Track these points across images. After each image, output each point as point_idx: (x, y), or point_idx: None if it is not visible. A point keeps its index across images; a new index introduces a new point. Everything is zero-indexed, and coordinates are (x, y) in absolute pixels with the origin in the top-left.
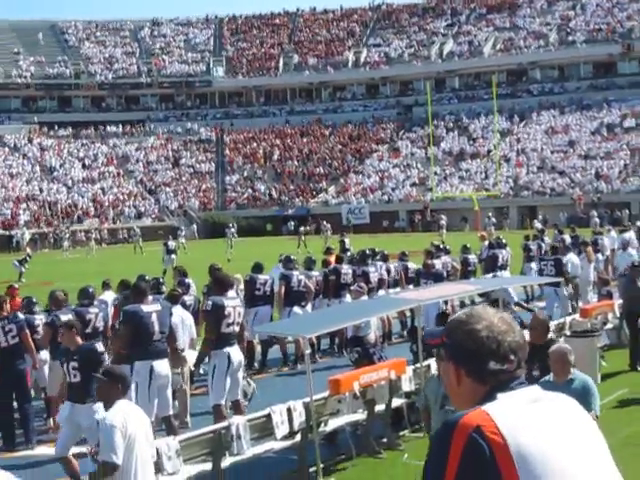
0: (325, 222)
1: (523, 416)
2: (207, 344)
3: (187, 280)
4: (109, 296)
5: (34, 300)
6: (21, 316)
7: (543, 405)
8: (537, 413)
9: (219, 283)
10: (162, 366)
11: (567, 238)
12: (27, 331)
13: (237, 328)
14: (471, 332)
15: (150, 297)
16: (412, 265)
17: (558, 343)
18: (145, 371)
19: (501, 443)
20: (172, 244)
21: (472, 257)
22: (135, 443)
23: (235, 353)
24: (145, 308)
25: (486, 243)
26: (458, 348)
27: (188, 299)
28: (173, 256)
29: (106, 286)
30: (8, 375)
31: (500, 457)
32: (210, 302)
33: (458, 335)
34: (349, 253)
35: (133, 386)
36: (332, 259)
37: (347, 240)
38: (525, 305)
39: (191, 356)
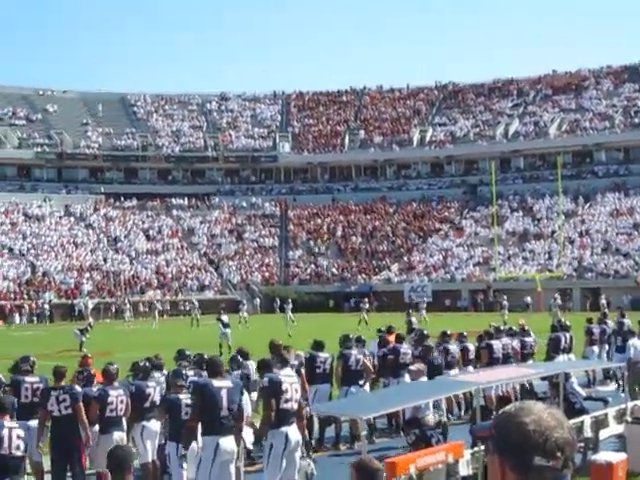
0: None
1: None
2: (265, 421)
3: (245, 362)
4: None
5: (93, 373)
6: (78, 388)
7: None
8: None
9: (277, 359)
10: (228, 442)
11: (628, 322)
12: (81, 404)
13: (295, 405)
14: (519, 425)
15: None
16: (471, 346)
17: None
18: (211, 447)
19: None
20: (226, 318)
21: (530, 339)
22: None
23: (293, 432)
24: (216, 383)
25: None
26: (504, 441)
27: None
28: (228, 330)
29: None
30: (61, 447)
31: None
32: (267, 378)
33: (506, 428)
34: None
35: (197, 460)
36: (392, 338)
37: (414, 319)
38: (594, 397)
39: (246, 434)
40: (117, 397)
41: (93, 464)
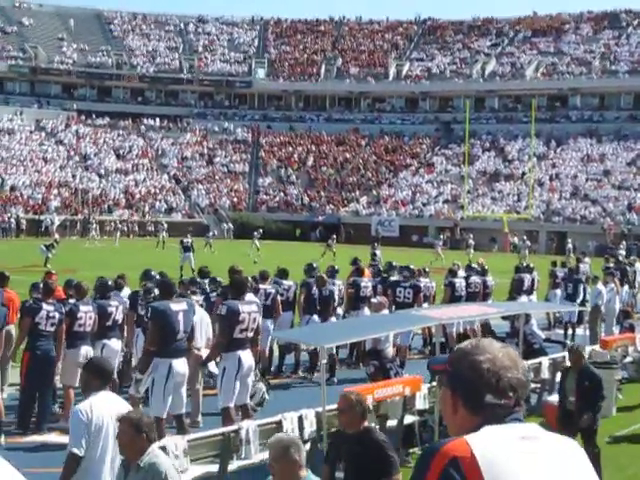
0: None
1: (507, 450)
2: (217, 347)
3: (205, 281)
4: (125, 291)
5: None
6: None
7: (535, 443)
8: (524, 449)
9: (235, 287)
10: (181, 365)
11: (588, 267)
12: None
13: (251, 334)
14: (473, 363)
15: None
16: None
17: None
18: (164, 369)
19: (476, 475)
20: (188, 241)
21: (489, 279)
22: (101, 435)
23: (246, 357)
24: (173, 307)
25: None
26: (458, 378)
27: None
28: (190, 254)
29: (122, 280)
30: (39, 360)
31: None
32: (225, 307)
33: (460, 365)
34: (379, 266)
35: (149, 381)
36: (355, 269)
37: (378, 252)
38: (554, 339)
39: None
40: (86, 313)
41: (61, 378)
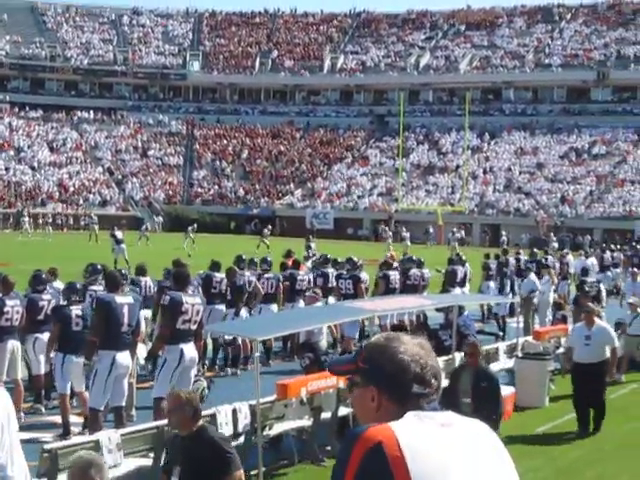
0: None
1: (428, 436)
2: (160, 338)
3: (142, 278)
4: (59, 284)
5: None
6: None
7: (453, 429)
8: (444, 435)
9: (179, 279)
10: (124, 357)
11: (524, 259)
12: None
13: (194, 326)
14: (394, 356)
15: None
16: (365, 276)
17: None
18: (107, 361)
19: (400, 459)
20: (119, 234)
21: (426, 272)
22: (3, 428)
23: (188, 350)
24: (119, 299)
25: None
26: (381, 373)
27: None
28: (123, 245)
29: (53, 274)
30: None
31: (397, 474)
32: (168, 297)
33: (380, 359)
34: (313, 258)
35: (92, 372)
36: (290, 262)
37: (313, 245)
38: (488, 331)
39: (141, 350)
40: (13, 307)
41: None
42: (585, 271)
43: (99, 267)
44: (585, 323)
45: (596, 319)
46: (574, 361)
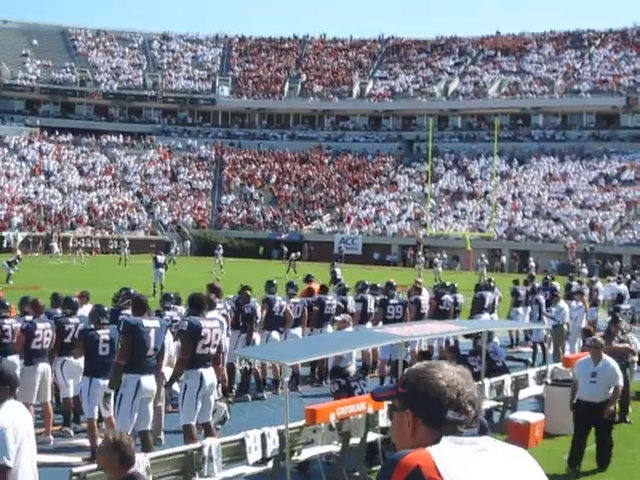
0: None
1: (465, 461)
2: (180, 364)
3: (176, 306)
4: (86, 309)
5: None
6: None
7: (489, 454)
8: (481, 460)
9: (196, 304)
10: (149, 381)
11: (557, 285)
12: None
13: (213, 350)
14: (431, 382)
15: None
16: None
17: None
18: (132, 385)
19: None
20: (161, 258)
21: (460, 297)
22: (23, 444)
23: (208, 374)
24: (146, 323)
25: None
26: (418, 397)
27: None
28: (161, 270)
29: (85, 299)
30: None
31: None
32: (186, 322)
33: (418, 385)
34: (339, 283)
35: (117, 397)
36: (314, 287)
37: (338, 270)
38: (517, 357)
39: (168, 373)
40: (44, 330)
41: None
42: (620, 297)
43: (132, 292)
44: (592, 358)
45: (604, 355)
46: (577, 398)
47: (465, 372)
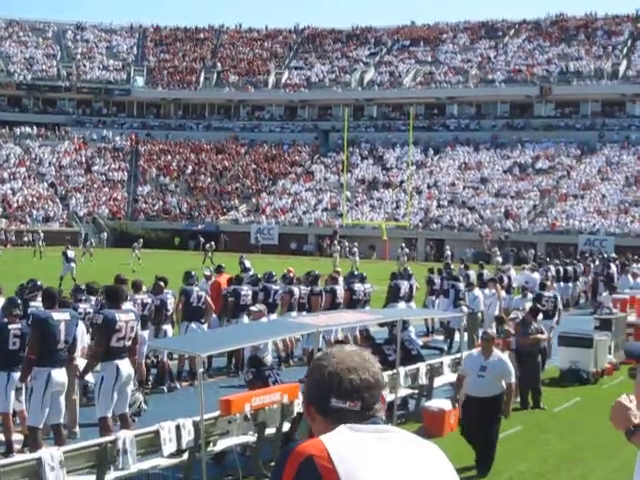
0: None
1: (361, 449)
2: (94, 356)
3: (91, 297)
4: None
5: None
6: None
7: (390, 443)
8: (380, 448)
9: (112, 296)
10: (60, 374)
11: (472, 274)
12: None
13: (129, 342)
14: (319, 368)
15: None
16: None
17: None
18: (42, 378)
19: (331, 471)
20: (71, 253)
21: (368, 287)
22: None
23: (124, 366)
24: (55, 316)
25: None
26: (309, 384)
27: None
28: (72, 264)
29: None
30: None
31: None
32: (101, 316)
33: (311, 372)
34: (250, 273)
35: (28, 390)
36: (221, 278)
37: (247, 261)
38: (432, 346)
39: (83, 365)
40: None
41: None
42: (542, 285)
43: (39, 283)
44: (482, 351)
45: (495, 350)
46: (466, 394)
47: (360, 354)
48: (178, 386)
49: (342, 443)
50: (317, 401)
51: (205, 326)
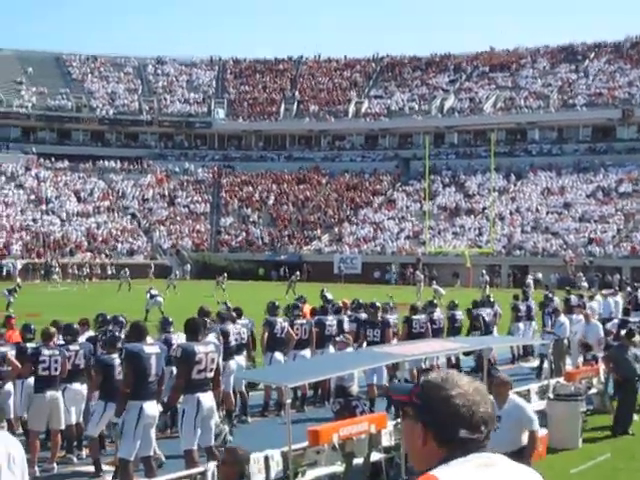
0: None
1: (469, 478)
2: (176, 389)
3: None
4: (87, 335)
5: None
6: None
7: (495, 470)
8: (485, 476)
9: (191, 329)
10: (151, 407)
11: (556, 300)
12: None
13: (210, 374)
14: (446, 399)
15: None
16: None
17: None
18: (135, 411)
19: None
20: (155, 292)
21: (459, 314)
22: (1, 472)
23: (206, 399)
24: (147, 349)
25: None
26: (431, 412)
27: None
28: (159, 299)
29: (85, 326)
30: None
31: None
32: (180, 349)
33: (431, 399)
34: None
35: (120, 423)
36: (305, 309)
37: (329, 294)
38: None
39: None
40: (50, 357)
41: (27, 424)
42: (626, 311)
43: (109, 317)
44: (495, 398)
45: (511, 394)
46: None
47: (481, 388)
48: (249, 420)
49: (453, 476)
50: (441, 430)
51: (308, 354)
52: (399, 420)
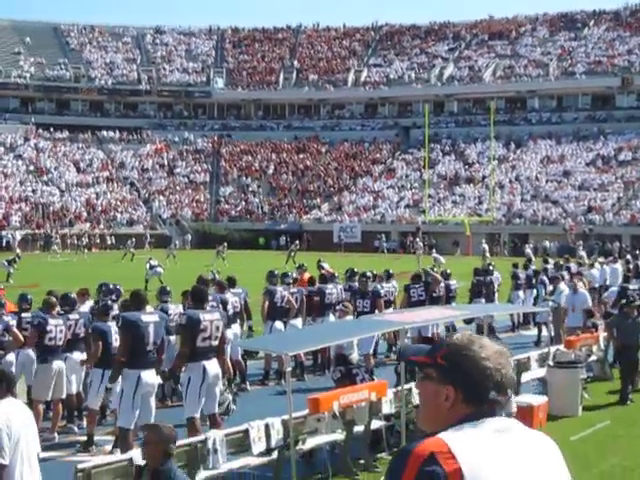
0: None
1: (482, 444)
2: (181, 357)
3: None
4: (88, 305)
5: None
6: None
7: (509, 436)
8: (500, 442)
9: (196, 297)
10: (149, 376)
11: (550, 267)
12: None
13: (215, 342)
14: (476, 360)
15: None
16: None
17: None
18: (133, 379)
19: (455, 467)
20: (154, 263)
21: (453, 283)
22: (20, 441)
23: (211, 366)
24: (144, 318)
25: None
26: (461, 374)
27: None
28: (158, 269)
29: (84, 296)
30: None
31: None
32: (185, 316)
33: (461, 360)
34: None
35: (118, 391)
36: (304, 277)
37: (326, 264)
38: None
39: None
40: (56, 326)
41: (31, 393)
42: (626, 278)
43: (111, 287)
44: None
45: None
46: None
47: (504, 352)
48: (249, 388)
49: (462, 439)
50: (473, 390)
51: (298, 323)
52: (398, 388)
